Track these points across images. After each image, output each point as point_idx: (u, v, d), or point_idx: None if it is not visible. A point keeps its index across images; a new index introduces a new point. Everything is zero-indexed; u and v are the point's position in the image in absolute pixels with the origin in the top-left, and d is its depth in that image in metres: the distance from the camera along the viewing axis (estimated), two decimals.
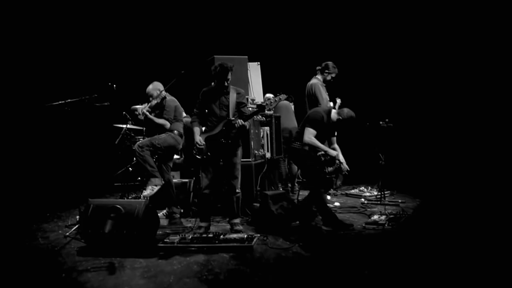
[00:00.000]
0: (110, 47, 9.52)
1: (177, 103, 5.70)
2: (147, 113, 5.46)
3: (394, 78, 9.29)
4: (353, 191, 7.32)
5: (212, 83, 5.03)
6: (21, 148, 8.45)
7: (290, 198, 5.44)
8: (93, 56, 9.32)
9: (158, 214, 5.57)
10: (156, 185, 5.21)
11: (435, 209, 4.53)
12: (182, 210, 5.99)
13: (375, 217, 5.30)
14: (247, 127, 4.90)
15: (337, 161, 5.02)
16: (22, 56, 8.53)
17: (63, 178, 8.20)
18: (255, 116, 5.38)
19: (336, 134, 5.39)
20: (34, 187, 8.03)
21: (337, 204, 6.40)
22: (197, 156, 4.92)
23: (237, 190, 5.00)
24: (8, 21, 8.31)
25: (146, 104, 5.60)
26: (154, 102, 5.54)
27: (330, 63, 6.32)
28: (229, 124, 4.82)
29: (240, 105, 4.94)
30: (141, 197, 5.27)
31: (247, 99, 5.85)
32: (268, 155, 6.36)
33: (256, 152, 6.00)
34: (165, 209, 5.96)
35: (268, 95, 7.18)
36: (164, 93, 5.59)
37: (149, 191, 5.18)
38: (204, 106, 5.00)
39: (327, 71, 6.29)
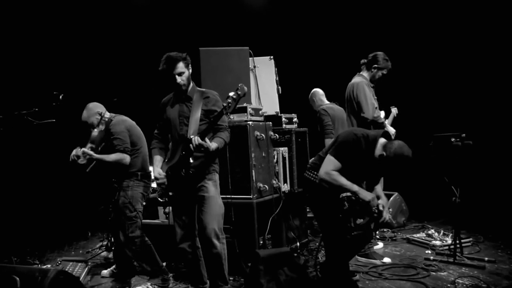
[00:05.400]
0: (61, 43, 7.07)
1: (130, 123, 4.07)
2: (91, 152, 3.80)
3: (473, 74, 6.57)
4: (418, 235, 5.16)
5: None
6: None
7: (295, 262, 3.51)
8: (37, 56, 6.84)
9: (103, 272, 4.32)
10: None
11: None
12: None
13: None
14: (213, 148, 3.13)
15: (373, 209, 3.15)
16: None
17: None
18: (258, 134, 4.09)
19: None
20: None
21: (386, 260, 4.36)
22: (158, 199, 3.46)
23: (215, 241, 3.30)
24: None
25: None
26: (95, 133, 3.96)
27: (380, 54, 4.56)
28: (188, 146, 3.17)
29: (209, 114, 3.28)
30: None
31: (228, 104, 3.81)
32: (285, 188, 4.52)
33: (261, 185, 4.16)
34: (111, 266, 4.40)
35: (316, 90, 5.57)
36: (107, 114, 3.96)
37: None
38: (164, 123, 3.54)
39: (376, 65, 4.53)
